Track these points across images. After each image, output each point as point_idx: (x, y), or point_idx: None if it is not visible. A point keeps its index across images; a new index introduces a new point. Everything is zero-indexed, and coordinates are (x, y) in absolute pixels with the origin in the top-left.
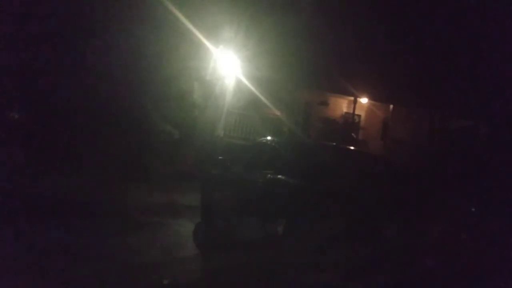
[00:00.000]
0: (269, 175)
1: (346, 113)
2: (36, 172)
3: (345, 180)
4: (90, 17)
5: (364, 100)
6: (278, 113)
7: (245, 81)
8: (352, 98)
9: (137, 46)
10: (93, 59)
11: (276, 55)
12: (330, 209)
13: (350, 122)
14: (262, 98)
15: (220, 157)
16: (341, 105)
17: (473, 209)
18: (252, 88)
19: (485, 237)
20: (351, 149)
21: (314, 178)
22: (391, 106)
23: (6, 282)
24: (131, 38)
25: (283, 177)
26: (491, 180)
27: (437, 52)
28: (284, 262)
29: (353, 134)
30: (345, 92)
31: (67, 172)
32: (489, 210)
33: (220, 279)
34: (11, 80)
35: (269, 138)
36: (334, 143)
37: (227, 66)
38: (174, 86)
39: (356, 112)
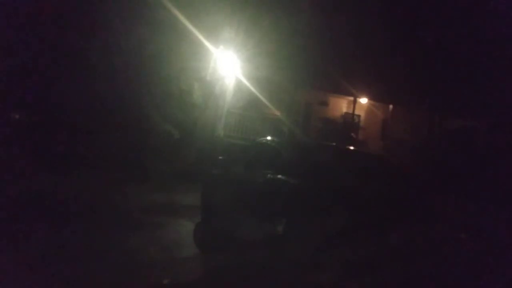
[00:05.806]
0: (269, 175)
1: (346, 113)
2: (36, 171)
3: (344, 180)
4: (91, 17)
5: (363, 100)
6: (278, 113)
7: (245, 81)
8: (351, 98)
9: (138, 47)
10: (94, 59)
11: (276, 55)
12: (329, 209)
13: (350, 122)
14: (262, 98)
15: (220, 157)
16: (341, 105)
17: (473, 210)
18: (252, 88)
19: (485, 237)
20: (351, 149)
21: (314, 178)
22: (391, 106)
23: (5, 282)
24: (132, 39)
25: (283, 177)
26: (491, 180)
27: (437, 52)
28: (283, 262)
29: (353, 134)
30: (345, 92)
31: (67, 172)
32: (489, 210)
33: (220, 279)
34: (12, 80)
35: (269, 138)
36: (334, 143)
37: (227, 66)
38: (175, 86)
39: (356, 112)
